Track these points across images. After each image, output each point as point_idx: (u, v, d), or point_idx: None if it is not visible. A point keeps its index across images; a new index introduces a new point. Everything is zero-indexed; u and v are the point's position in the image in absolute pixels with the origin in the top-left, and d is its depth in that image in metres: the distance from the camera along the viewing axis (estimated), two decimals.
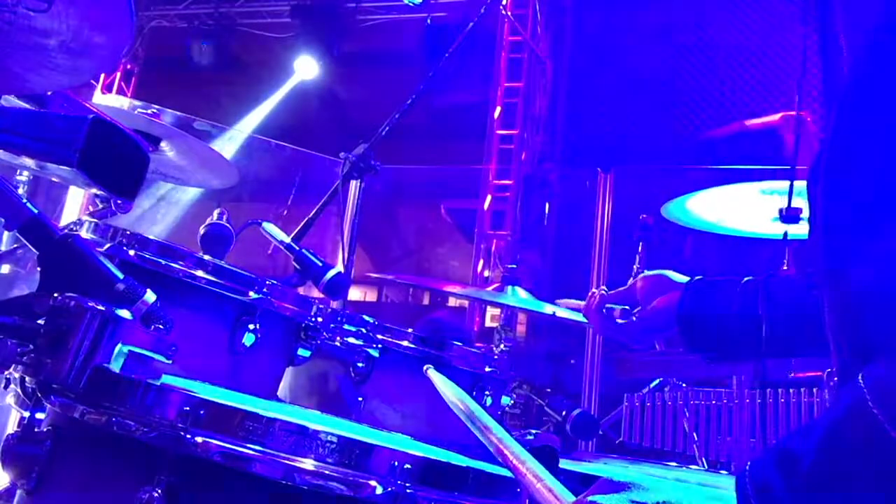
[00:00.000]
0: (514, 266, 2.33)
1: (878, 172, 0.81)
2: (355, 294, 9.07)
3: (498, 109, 6.36)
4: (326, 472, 1.02)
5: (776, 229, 3.09)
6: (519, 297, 2.24)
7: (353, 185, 2.56)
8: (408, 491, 1.03)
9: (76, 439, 1.09)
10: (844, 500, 0.69)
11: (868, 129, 0.83)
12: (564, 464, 1.66)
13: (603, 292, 1.61)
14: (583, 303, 1.76)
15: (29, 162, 1.18)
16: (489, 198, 6.16)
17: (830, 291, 0.88)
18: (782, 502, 0.72)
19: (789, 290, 1.35)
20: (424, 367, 1.15)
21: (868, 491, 0.68)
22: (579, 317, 1.82)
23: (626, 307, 1.57)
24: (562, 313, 2.02)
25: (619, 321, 1.56)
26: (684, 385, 3.39)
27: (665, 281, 1.55)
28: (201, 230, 1.99)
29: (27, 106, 1.50)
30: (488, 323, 6.19)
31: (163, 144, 2.56)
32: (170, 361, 1.12)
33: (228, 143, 7.25)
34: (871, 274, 0.80)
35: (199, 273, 1.57)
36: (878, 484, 0.68)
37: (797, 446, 0.75)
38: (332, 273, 1.84)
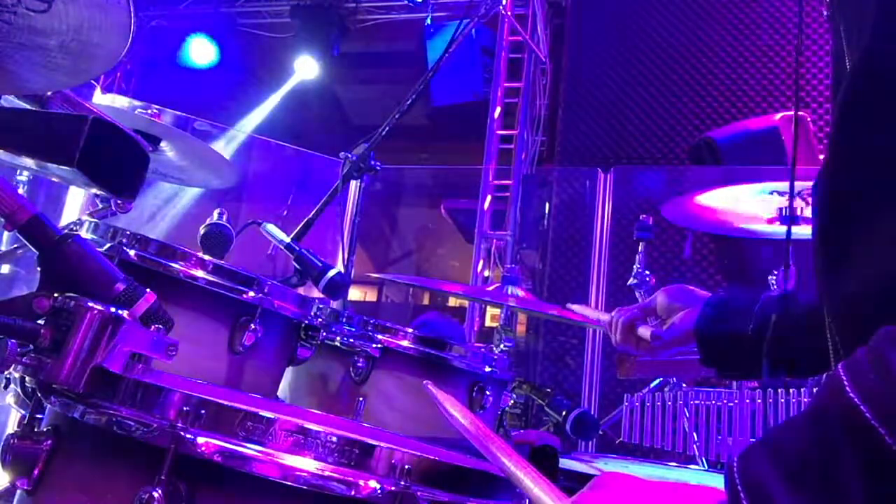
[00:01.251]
0: (514, 266, 2.33)
1: (877, 174, 0.81)
2: (355, 294, 9.06)
3: (498, 109, 6.35)
4: (326, 472, 1.02)
5: (776, 229, 3.09)
6: (519, 297, 2.24)
7: (353, 185, 2.56)
8: (408, 491, 1.03)
9: (76, 439, 1.09)
10: (833, 485, 0.68)
11: (867, 131, 0.83)
12: (564, 464, 1.66)
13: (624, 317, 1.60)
14: (598, 313, 1.75)
15: (29, 162, 1.18)
16: (489, 198, 6.16)
17: (829, 293, 0.88)
18: (775, 496, 0.70)
19: (804, 308, 1.33)
20: (424, 383, 1.15)
21: (851, 472, 0.67)
22: (592, 314, 1.80)
23: (651, 329, 1.56)
24: (576, 309, 1.99)
25: (652, 344, 1.55)
26: (684, 385, 3.39)
27: (686, 295, 1.55)
28: (201, 230, 1.99)
29: (27, 106, 1.50)
30: (488, 323, 6.19)
31: (163, 144, 2.56)
32: (170, 361, 1.11)
33: (228, 143, 7.24)
34: (866, 275, 0.80)
35: (199, 273, 1.57)
36: (856, 464, 0.66)
37: (784, 437, 0.74)
38: (332, 273, 1.84)
